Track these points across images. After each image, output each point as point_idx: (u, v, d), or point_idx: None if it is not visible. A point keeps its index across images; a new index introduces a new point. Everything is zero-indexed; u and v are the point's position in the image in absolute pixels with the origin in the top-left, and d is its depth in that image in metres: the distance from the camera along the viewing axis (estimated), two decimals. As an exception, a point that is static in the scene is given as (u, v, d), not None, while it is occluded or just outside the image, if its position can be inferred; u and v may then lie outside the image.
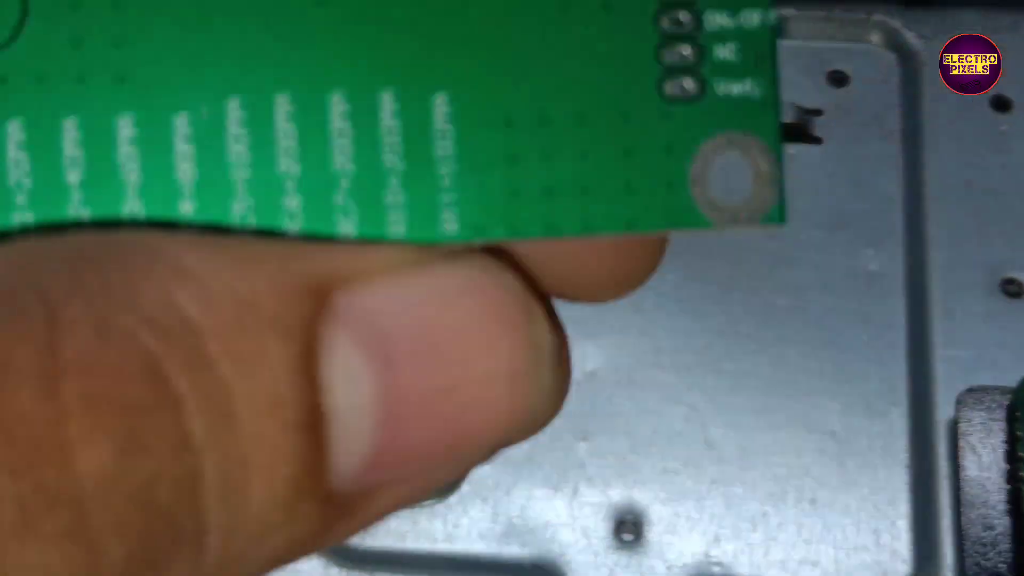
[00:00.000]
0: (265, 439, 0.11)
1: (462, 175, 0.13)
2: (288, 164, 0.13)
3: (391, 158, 0.13)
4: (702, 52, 0.13)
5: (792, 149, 0.39)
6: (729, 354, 0.35)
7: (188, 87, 0.13)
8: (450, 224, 0.13)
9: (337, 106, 0.13)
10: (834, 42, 0.41)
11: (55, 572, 0.10)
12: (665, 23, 0.13)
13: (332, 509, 0.12)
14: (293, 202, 0.13)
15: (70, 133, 0.12)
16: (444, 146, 0.13)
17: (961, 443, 0.32)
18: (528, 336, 0.12)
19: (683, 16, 0.13)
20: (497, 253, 0.13)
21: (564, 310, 0.38)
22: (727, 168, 0.13)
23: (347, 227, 0.13)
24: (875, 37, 0.41)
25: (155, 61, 0.13)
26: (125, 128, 0.12)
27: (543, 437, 0.34)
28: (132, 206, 0.12)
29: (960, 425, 0.33)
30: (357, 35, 0.13)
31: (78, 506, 0.10)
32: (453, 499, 0.34)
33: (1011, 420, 0.32)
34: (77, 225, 0.12)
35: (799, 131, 0.39)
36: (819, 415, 0.34)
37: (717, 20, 0.13)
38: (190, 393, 0.11)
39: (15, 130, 0.12)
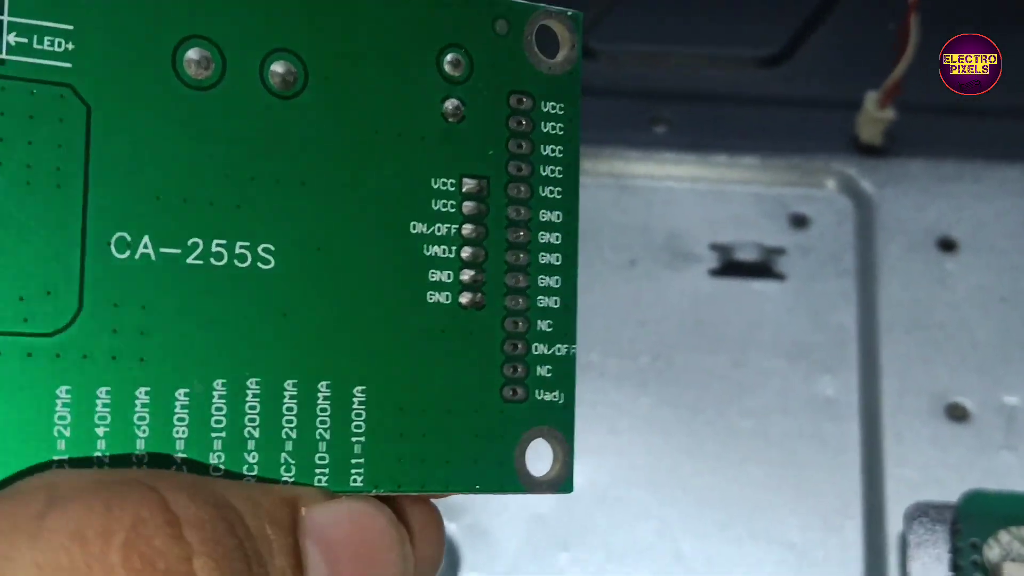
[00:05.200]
0: None
1: (367, 444, 0.18)
2: (251, 430, 0.17)
3: (321, 431, 0.17)
4: (528, 370, 0.18)
5: (757, 285, 0.42)
6: (697, 472, 0.37)
7: (186, 370, 0.16)
8: (356, 480, 0.17)
9: (289, 391, 0.17)
10: (795, 188, 0.44)
11: None
12: (507, 348, 0.18)
13: None
14: (252, 458, 0.17)
15: (102, 399, 0.16)
16: (358, 424, 0.17)
17: (909, 553, 0.35)
18: (403, 551, 0.17)
19: (519, 344, 0.18)
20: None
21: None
22: (537, 450, 0.19)
23: (288, 477, 0.17)
24: (833, 184, 0.44)
25: (166, 349, 0.16)
26: (141, 396, 0.16)
27: (529, 547, 0.36)
28: (140, 456, 0.16)
29: (908, 537, 0.35)
30: (308, 345, 0.17)
31: None
32: (445, 606, 0.36)
33: (954, 532, 0.35)
34: (99, 464, 0.16)
35: (763, 269, 0.42)
36: (780, 529, 0.36)
37: (540, 349, 0.18)
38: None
39: (62, 393, 0.16)
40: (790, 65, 0.47)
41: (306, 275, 0.17)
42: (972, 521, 0.34)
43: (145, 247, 0.16)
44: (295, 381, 0.17)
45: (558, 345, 0.19)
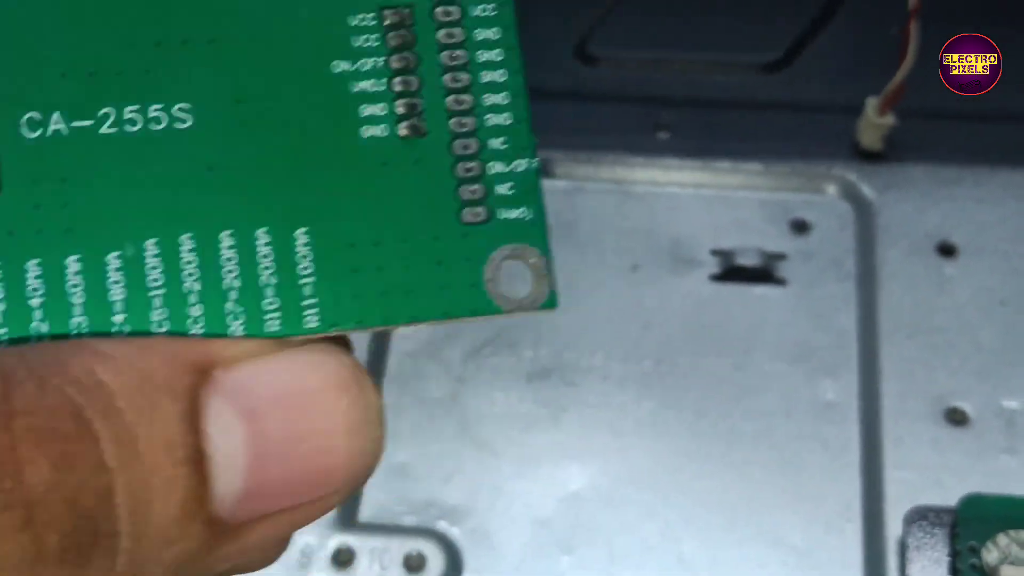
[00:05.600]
0: (161, 470, 0.15)
1: (319, 284, 0.17)
2: (191, 284, 0.17)
3: (266, 277, 0.17)
4: (487, 190, 0.18)
5: (759, 290, 0.42)
6: (700, 475, 0.38)
7: (115, 235, 0.17)
8: (311, 322, 0.17)
9: (225, 240, 0.17)
10: (797, 193, 0.44)
11: (10, 556, 0.14)
12: (460, 171, 0.18)
13: (216, 531, 0.15)
14: (196, 311, 0.17)
15: (33, 271, 0.16)
16: (304, 266, 0.17)
17: (908, 556, 0.35)
18: (360, 399, 0.16)
19: (472, 165, 0.18)
20: (340, 342, 0.17)
21: (548, 433, 0.41)
22: (511, 270, 0.18)
23: (236, 328, 0.17)
24: (833, 189, 0.44)
25: (92, 216, 0.17)
26: (72, 264, 0.16)
27: (532, 549, 0.36)
28: (79, 321, 0.16)
29: (907, 540, 0.35)
30: (239, 196, 0.17)
31: (26, 507, 0.14)
32: (449, 608, 0.36)
33: (952, 536, 0.35)
34: (39, 338, 0.16)
35: (765, 274, 0.42)
36: (782, 531, 0.37)
37: (496, 167, 0.18)
38: (104, 431, 0.14)
39: None
40: (791, 71, 0.48)
41: (227, 128, 0.17)
42: (971, 525, 0.35)
43: (56, 123, 0.17)
44: (231, 231, 0.17)
45: (516, 161, 0.18)
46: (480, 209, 0.18)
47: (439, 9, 0.18)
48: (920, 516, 0.35)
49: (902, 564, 0.35)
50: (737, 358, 0.40)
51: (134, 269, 0.17)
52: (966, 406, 0.39)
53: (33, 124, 0.17)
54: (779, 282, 0.42)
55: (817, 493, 0.37)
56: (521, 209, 0.18)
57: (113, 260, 0.17)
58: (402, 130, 0.17)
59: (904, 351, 0.40)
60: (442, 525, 0.37)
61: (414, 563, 0.37)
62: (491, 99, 0.18)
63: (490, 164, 0.18)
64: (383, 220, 0.17)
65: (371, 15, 0.17)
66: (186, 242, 0.17)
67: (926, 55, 0.41)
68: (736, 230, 0.43)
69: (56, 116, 0.17)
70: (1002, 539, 0.34)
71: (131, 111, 0.17)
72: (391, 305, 0.17)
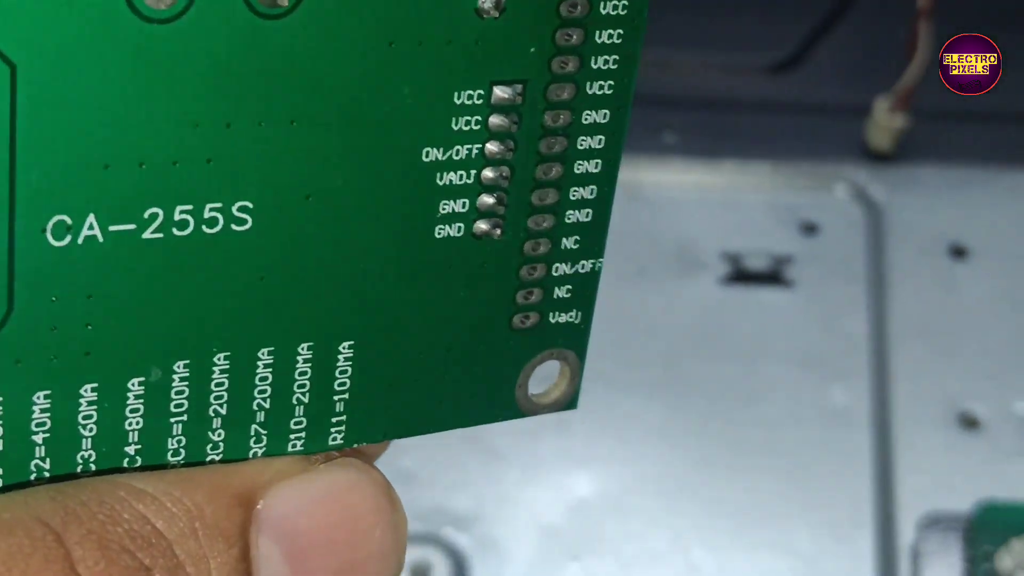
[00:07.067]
0: None
1: (351, 402, 0.16)
2: (216, 408, 0.15)
3: (299, 395, 0.15)
4: (545, 295, 0.16)
5: (767, 293, 0.42)
6: (708, 482, 0.37)
7: (142, 357, 0.14)
8: (336, 439, 0.16)
9: (263, 360, 0.15)
10: (805, 195, 0.44)
11: None
12: (524, 274, 0.16)
13: None
14: (218, 436, 0.15)
15: (40, 404, 0.14)
16: (342, 381, 0.16)
17: (921, 563, 0.35)
18: (392, 521, 0.16)
19: (538, 267, 0.16)
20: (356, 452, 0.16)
21: (556, 440, 0.41)
22: (542, 371, 0.17)
23: (257, 448, 0.15)
24: (842, 190, 0.44)
25: (116, 338, 0.14)
26: (87, 394, 0.14)
27: (540, 557, 0.36)
28: (87, 455, 0.14)
29: (920, 546, 0.35)
30: (287, 307, 0.15)
31: None
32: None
33: (966, 542, 0.35)
34: (41, 480, 0.14)
35: (773, 277, 0.42)
36: (790, 539, 0.36)
37: (561, 269, 0.16)
38: None
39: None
40: (800, 71, 0.47)
41: (289, 230, 0.14)
42: (985, 530, 0.34)
43: (90, 228, 0.13)
44: (271, 349, 0.15)
45: (583, 262, 0.16)
46: (532, 314, 0.16)
47: (554, 87, 0.15)
48: (933, 522, 0.35)
49: (915, 571, 0.35)
50: (745, 363, 0.40)
51: (157, 394, 0.15)
52: (978, 409, 0.38)
53: (61, 230, 0.13)
54: (787, 284, 0.42)
55: (827, 500, 0.37)
56: (572, 312, 0.17)
57: (135, 386, 0.14)
58: (479, 227, 0.15)
59: (915, 354, 0.40)
60: (448, 532, 0.37)
61: (421, 570, 0.36)
62: (579, 193, 0.16)
63: (556, 265, 0.16)
64: (432, 330, 0.16)
65: (480, 91, 0.15)
66: (220, 362, 0.15)
67: (935, 55, 0.41)
68: (744, 232, 0.43)
69: (92, 219, 0.13)
70: (1016, 545, 0.34)
71: (183, 212, 0.14)
72: (417, 416, 0.16)
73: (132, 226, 0.14)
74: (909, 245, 0.42)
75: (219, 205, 0.14)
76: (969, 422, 0.38)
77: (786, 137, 0.45)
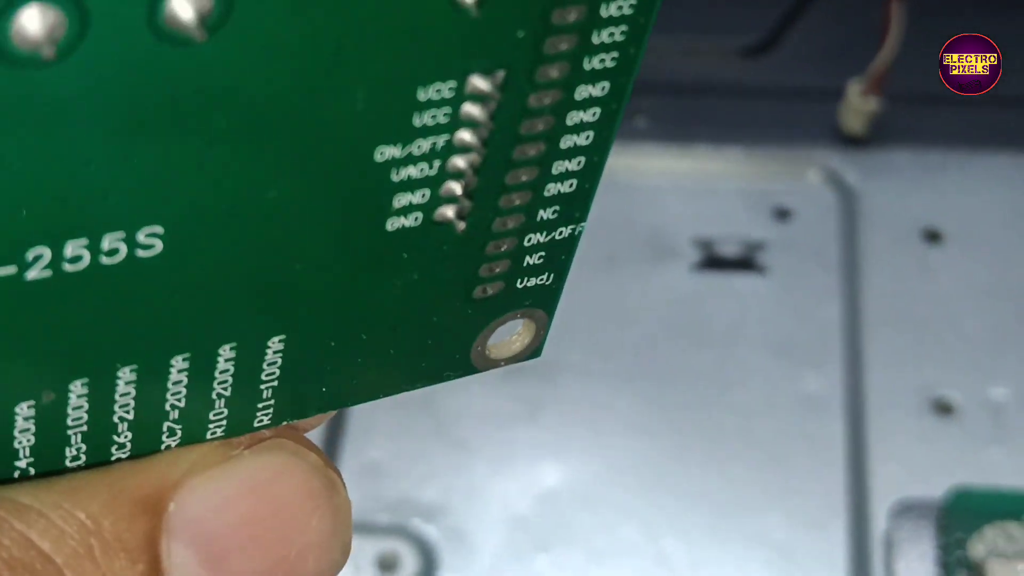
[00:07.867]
0: None
1: (278, 389, 0.14)
2: (122, 415, 0.14)
3: (220, 390, 0.14)
4: (512, 264, 0.15)
5: (740, 280, 0.41)
6: (680, 471, 0.37)
7: (30, 382, 0.13)
8: (263, 420, 0.14)
9: (177, 366, 0.14)
10: (778, 180, 0.43)
11: None
12: (489, 249, 0.15)
13: None
14: (123, 438, 0.14)
15: None
16: (270, 372, 0.14)
17: (894, 551, 0.34)
18: (329, 507, 0.14)
19: (506, 242, 0.15)
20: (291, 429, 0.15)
21: (525, 430, 0.40)
22: (507, 327, 0.16)
23: (171, 441, 0.14)
24: (815, 175, 0.43)
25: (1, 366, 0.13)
26: None
27: (509, 549, 0.35)
28: None
29: (893, 534, 0.35)
30: (204, 316, 0.14)
31: None
32: (424, 610, 0.36)
33: (939, 529, 0.34)
34: None
35: (746, 263, 0.42)
36: (764, 528, 0.36)
37: (535, 239, 0.15)
38: None
39: None
40: (773, 55, 0.47)
41: (209, 247, 0.13)
42: (958, 517, 0.34)
43: None
44: (186, 355, 0.14)
45: (561, 228, 0.15)
46: (496, 283, 0.15)
47: (540, 69, 0.14)
48: (906, 509, 0.35)
49: (888, 558, 0.35)
50: (718, 351, 0.39)
51: (49, 415, 0.13)
52: (953, 396, 0.38)
53: None
54: (761, 271, 0.41)
55: (801, 489, 0.36)
56: (543, 276, 0.15)
57: (24, 410, 0.13)
58: (442, 214, 0.14)
59: (889, 341, 0.39)
60: (416, 523, 0.37)
61: (388, 562, 0.36)
62: (562, 166, 0.14)
63: (529, 236, 0.15)
64: (378, 311, 0.15)
65: (451, 84, 0.13)
66: (126, 374, 0.14)
67: (911, 39, 0.41)
68: (716, 218, 0.42)
69: None
70: (989, 532, 0.34)
71: (77, 246, 0.13)
72: (357, 386, 0.15)
73: (12, 268, 0.12)
74: (883, 230, 0.42)
75: (121, 235, 0.13)
76: (943, 408, 0.38)
77: (759, 122, 0.44)
